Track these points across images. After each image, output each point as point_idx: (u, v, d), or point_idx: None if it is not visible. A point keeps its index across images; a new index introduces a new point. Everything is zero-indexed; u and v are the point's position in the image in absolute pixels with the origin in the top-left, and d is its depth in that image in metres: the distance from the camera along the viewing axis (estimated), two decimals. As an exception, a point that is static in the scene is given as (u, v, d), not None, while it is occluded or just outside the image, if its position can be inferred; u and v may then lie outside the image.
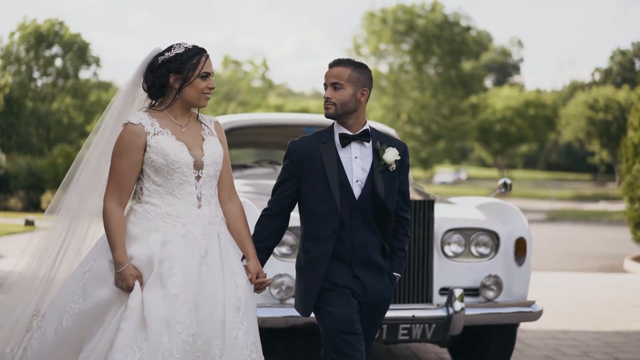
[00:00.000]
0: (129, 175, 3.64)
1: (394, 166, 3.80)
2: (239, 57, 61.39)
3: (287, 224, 3.94)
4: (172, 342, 3.43)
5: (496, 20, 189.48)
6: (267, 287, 4.41)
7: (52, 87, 41.58)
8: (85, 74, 42.71)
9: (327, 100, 3.80)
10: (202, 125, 3.81)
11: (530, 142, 59.40)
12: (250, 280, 3.72)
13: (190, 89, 3.67)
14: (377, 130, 3.96)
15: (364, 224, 3.78)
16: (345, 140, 3.80)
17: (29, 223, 18.95)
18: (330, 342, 3.75)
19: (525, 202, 44.56)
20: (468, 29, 50.75)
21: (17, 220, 20.80)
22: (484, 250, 5.54)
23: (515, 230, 5.58)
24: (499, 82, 76.59)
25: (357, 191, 3.78)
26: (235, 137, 7.10)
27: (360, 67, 3.81)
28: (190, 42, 3.74)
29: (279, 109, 51.60)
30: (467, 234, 5.53)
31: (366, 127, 3.85)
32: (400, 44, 49.79)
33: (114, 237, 3.59)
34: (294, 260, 5.08)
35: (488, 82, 70.84)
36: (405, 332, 5.15)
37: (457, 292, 5.22)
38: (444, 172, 73.76)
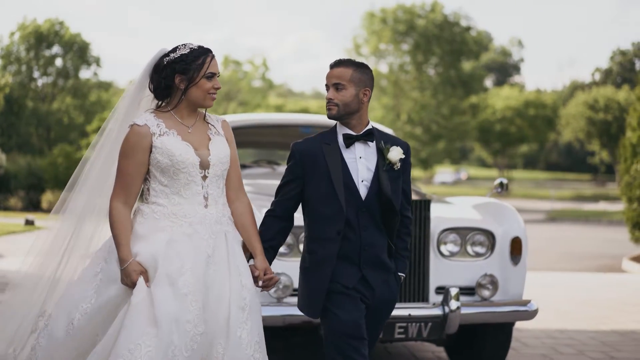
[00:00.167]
0: (134, 176, 3.66)
1: (398, 165, 3.81)
2: (239, 57, 61.38)
3: (292, 225, 3.95)
4: (182, 340, 3.45)
5: (496, 20, 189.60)
6: None
7: (53, 87, 41.61)
8: (85, 74, 42.78)
9: (329, 101, 3.79)
10: (209, 124, 3.83)
11: (530, 142, 59.39)
12: (258, 277, 3.72)
13: (196, 89, 3.68)
14: (380, 129, 3.96)
15: (372, 224, 3.78)
16: (349, 141, 3.80)
17: (29, 223, 18.99)
18: (335, 345, 3.73)
19: (525, 202, 44.60)
20: (468, 29, 50.78)
21: (17, 220, 20.83)
22: (479, 249, 5.58)
23: (510, 230, 5.62)
24: (499, 82, 76.59)
25: (363, 191, 3.78)
26: (234, 137, 7.13)
27: (362, 67, 3.82)
28: (195, 42, 3.75)
29: (279, 109, 51.60)
30: (463, 233, 5.57)
31: (369, 126, 3.85)
32: (400, 44, 49.81)
33: (119, 235, 3.61)
34: (292, 259, 5.12)
35: (488, 82, 70.87)
36: (402, 330, 5.19)
37: (453, 291, 5.25)
38: (444, 172, 73.75)
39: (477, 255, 5.57)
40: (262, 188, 5.99)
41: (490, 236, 5.58)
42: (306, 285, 3.86)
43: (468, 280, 5.51)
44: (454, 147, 54.43)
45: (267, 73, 51.15)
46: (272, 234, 3.87)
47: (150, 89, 3.78)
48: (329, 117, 3.82)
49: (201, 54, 3.68)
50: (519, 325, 7.88)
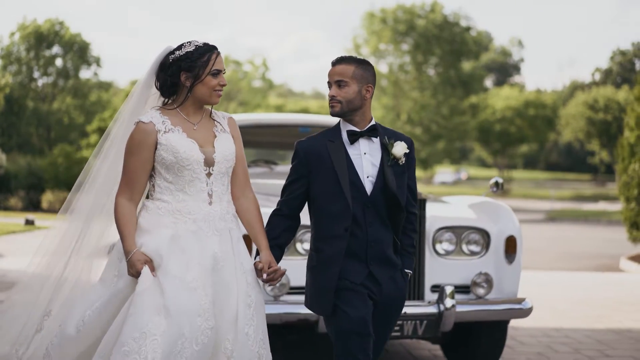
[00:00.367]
0: (140, 173, 3.68)
1: (403, 160, 3.80)
2: (239, 57, 61.41)
3: (298, 224, 3.94)
4: (193, 333, 3.47)
5: (496, 20, 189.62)
6: (263, 284, 4.44)
7: (53, 87, 41.65)
8: (85, 74, 42.81)
9: (332, 98, 3.79)
10: (215, 122, 3.83)
11: (530, 142, 59.42)
12: (262, 270, 3.72)
13: (202, 86, 3.69)
14: (383, 125, 3.96)
15: (378, 220, 3.77)
16: (354, 137, 3.80)
17: (29, 222, 19.04)
18: (343, 343, 3.73)
19: (525, 202, 44.64)
20: (468, 29, 50.82)
21: (17, 219, 20.88)
22: (474, 248, 5.63)
23: (505, 229, 5.66)
24: (500, 82, 76.61)
25: (368, 187, 3.77)
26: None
27: (364, 64, 3.82)
28: (200, 40, 3.76)
29: (279, 109, 51.64)
30: (458, 232, 5.62)
31: (373, 122, 3.85)
32: (400, 44, 49.85)
33: (123, 228, 3.64)
34: (289, 257, 5.16)
35: (488, 82, 70.90)
36: (397, 328, 5.23)
37: (448, 289, 5.29)
38: (444, 172, 73.75)
39: (472, 253, 5.62)
40: (260, 188, 6.03)
41: (485, 235, 5.63)
42: (315, 283, 3.84)
43: (463, 278, 5.56)
44: (454, 147, 54.46)
45: (267, 73, 51.23)
46: (278, 232, 3.86)
47: (156, 87, 3.80)
48: (332, 115, 3.82)
49: (206, 51, 3.70)
50: (515, 323, 7.93)
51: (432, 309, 5.29)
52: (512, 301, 5.60)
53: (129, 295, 3.58)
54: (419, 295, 5.45)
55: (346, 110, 3.79)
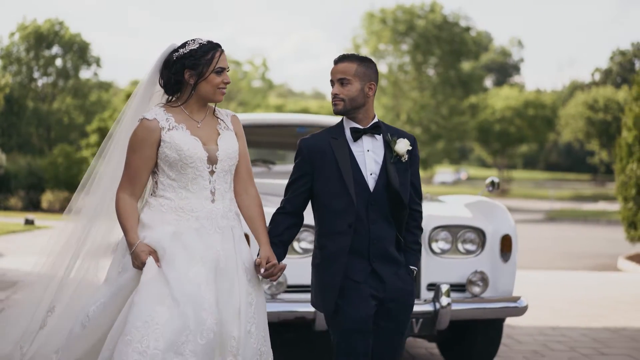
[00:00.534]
0: (141, 169, 3.70)
1: (406, 157, 3.81)
2: (239, 57, 61.42)
3: (302, 222, 3.93)
4: (198, 327, 3.48)
5: (496, 20, 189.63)
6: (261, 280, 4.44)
7: (53, 87, 41.70)
8: (85, 74, 42.87)
9: (335, 96, 3.80)
10: (219, 119, 3.84)
11: (530, 143, 59.47)
12: (259, 264, 3.71)
13: (206, 84, 3.70)
14: (385, 123, 3.96)
15: (381, 217, 3.77)
16: (357, 134, 3.80)
17: (29, 222, 19.09)
18: (344, 341, 3.74)
19: (525, 202, 44.70)
20: (467, 29, 50.86)
21: (17, 219, 20.93)
22: (470, 247, 5.67)
23: (501, 228, 5.71)
24: (499, 83, 76.65)
25: (371, 184, 3.77)
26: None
27: (366, 62, 3.83)
28: (204, 38, 3.77)
29: (279, 109, 51.66)
30: (454, 231, 5.66)
31: (376, 120, 3.86)
32: (400, 44, 49.88)
33: (125, 222, 3.66)
34: (287, 256, 5.21)
35: (488, 82, 70.93)
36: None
37: (444, 288, 5.34)
38: (444, 172, 73.77)
39: (468, 252, 5.66)
40: (257, 187, 6.06)
41: (480, 234, 5.67)
42: (318, 281, 3.84)
43: (459, 277, 5.60)
44: (453, 147, 54.48)
45: (267, 73, 51.29)
46: (281, 230, 3.86)
47: (160, 85, 3.81)
48: (335, 113, 3.83)
49: (210, 49, 3.71)
50: (512, 322, 7.98)
51: (428, 307, 5.33)
52: (508, 299, 5.64)
53: (134, 289, 3.59)
54: (414, 294, 5.48)
55: (349, 108, 3.80)
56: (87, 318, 3.66)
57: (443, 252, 5.62)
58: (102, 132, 29.87)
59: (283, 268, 3.78)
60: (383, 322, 3.81)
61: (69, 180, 26.15)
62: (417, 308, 5.31)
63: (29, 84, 41.16)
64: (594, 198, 49.72)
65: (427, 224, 5.55)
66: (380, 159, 3.81)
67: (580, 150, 72.35)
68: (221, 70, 3.72)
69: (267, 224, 3.90)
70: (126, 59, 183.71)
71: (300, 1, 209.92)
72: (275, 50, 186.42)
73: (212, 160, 3.72)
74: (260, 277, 3.81)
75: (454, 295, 5.51)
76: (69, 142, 35.62)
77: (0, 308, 4.77)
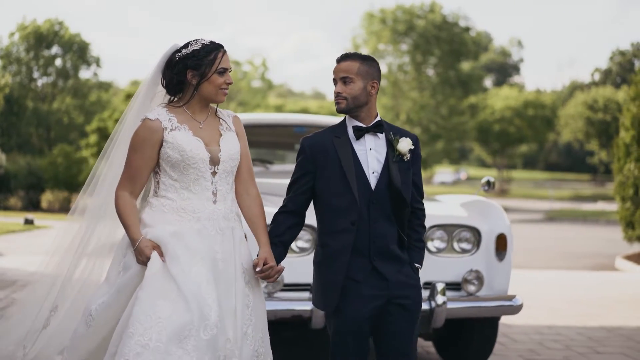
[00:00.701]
0: (142, 169, 3.70)
1: (408, 156, 3.81)
2: (239, 57, 61.41)
3: (304, 221, 3.92)
4: (201, 322, 3.49)
5: (496, 20, 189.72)
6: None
7: (52, 87, 41.75)
8: (85, 74, 42.95)
9: (338, 95, 3.80)
10: (221, 120, 3.84)
11: (530, 143, 59.49)
12: (257, 265, 3.71)
13: (208, 84, 3.70)
14: (388, 122, 3.97)
15: (382, 215, 3.77)
16: (359, 133, 3.80)
17: (29, 222, 19.13)
18: (339, 341, 3.76)
19: (524, 202, 44.76)
20: (467, 29, 50.88)
21: (16, 219, 20.97)
22: (465, 246, 5.70)
23: (496, 227, 5.74)
24: (499, 83, 76.68)
25: (373, 182, 3.77)
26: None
27: (369, 60, 3.83)
28: (207, 38, 3.78)
29: (279, 109, 51.68)
30: (449, 230, 5.69)
31: (378, 118, 3.86)
32: (400, 44, 49.90)
33: (126, 218, 3.67)
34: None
35: (488, 82, 70.94)
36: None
37: (440, 286, 5.36)
38: (444, 172, 73.80)
39: (463, 251, 5.70)
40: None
41: (476, 233, 5.71)
42: (320, 278, 3.83)
43: (454, 275, 5.63)
44: (453, 148, 54.51)
45: (267, 73, 51.26)
46: (282, 230, 3.85)
47: (162, 85, 3.81)
48: (338, 111, 3.83)
49: (213, 50, 3.71)
50: (508, 321, 8.02)
51: (424, 306, 5.36)
52: (503, 298, 5.68)
53: (137, 286, 3.59)
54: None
55: (352, 106, 3.80)
56: (91, 317, 3.66)
57: (439, 250, 5.66)
58: (102, 132, 29.94)
59: (280, 270, 3.76)
60: (393, 318, 3.78)
61: (68, 180, 26.21)
62: (413, 306, 5.34)
63: (29, 84, 41.21)
64: (594, 198, 49.77)
65: (423, 223, 5.58)
66: (382, 158, 3.81)
67: (579, 151, 72.37)
68: (223, 71, 3.73)
69: (267, 224, 3.91)
70: (126, 59, 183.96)
71: (300, 1, 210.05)
72: (275, 51, 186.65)
73: (214, 162, 3.72)
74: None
75: (449, 293, 5.55)
76: (69, 142, 35.68)
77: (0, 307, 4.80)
